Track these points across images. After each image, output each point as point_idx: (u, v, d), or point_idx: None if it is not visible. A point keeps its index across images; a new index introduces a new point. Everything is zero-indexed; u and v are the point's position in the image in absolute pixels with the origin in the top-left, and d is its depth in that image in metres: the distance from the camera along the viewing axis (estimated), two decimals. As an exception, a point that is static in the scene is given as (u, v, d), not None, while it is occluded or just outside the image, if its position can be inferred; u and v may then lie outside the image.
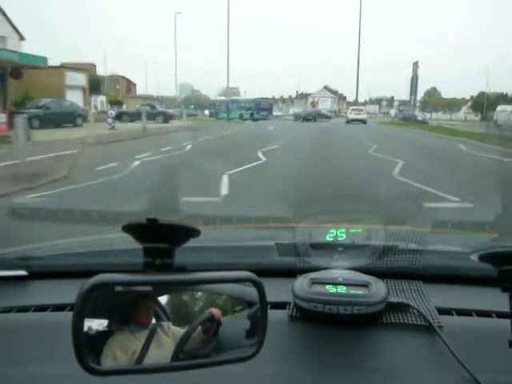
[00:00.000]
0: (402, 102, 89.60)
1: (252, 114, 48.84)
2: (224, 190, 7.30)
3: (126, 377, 0.67)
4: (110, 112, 26.75)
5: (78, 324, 0.59)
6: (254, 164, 10.60)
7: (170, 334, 0.70)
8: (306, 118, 48.83)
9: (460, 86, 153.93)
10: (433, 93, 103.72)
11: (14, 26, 34.17)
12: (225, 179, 8.08)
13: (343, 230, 1.19)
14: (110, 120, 25.11)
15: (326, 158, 12.71)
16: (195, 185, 7.19)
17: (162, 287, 0.70)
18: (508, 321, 0.81)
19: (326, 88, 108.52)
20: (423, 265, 1.15)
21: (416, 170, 10.12)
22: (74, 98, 32.06)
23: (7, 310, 1.05)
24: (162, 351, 0.69)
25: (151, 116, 33.01)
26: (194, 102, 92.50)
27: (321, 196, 6.17)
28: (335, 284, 0.98)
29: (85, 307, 0.60)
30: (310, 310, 0.95)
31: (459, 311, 1.03)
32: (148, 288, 0.68)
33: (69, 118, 25.49)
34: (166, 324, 0.70)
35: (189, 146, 14.95)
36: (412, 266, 1.15)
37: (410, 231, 1.43)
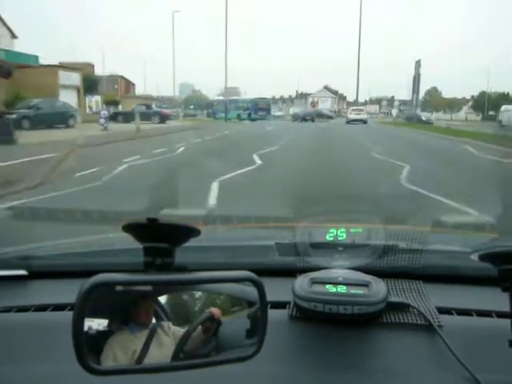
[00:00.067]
0: (403, 102, 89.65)
1: (250, 114, 48.51)
2: (212, 200, 6.58)
3: (127, 376, 0.67)
4: (102, 112, 25.68)
5: (78, 324, 0.59)
6: (250, 168, 9.93)
7: (170, 334, 0.70)
8: (304, 119, 48.39)
9: (460, 85, 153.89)
10: (433, 92, 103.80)
11: (5, 24, 33.66)
12: (214, 187, 7.39)
13: (343, 230, 1.19)
14: (102, 120, 24.11)
15: (326, 160, 12.21)
16: (180, 193, 6.20)
17: (163, 287, 0.70)
18: (508, 320, 0.81)
19: (326, 88, 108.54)
20: (423, 264, 1.15)
21: (425, 176, 9.29)
22: (68, 97, 31.31)
23: (7, 310, 1.05)
24: (162, 351, 0.69)
25: (147, 116, 32.36)
26: (194, 102, 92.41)
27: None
28: (335, 283, 0.98)
29: (85, 307, 0.60)
30: (310, 310, 0.95)
31: (459, 311, 1.03)
32: (148, 288, 0.68)
33: (61, 118, 24.62)
34: (166, 324, 0.70)
35: (181, 149, 14.37)
36: (412, 266, 1.15)
37: (410, 231, 1.43)
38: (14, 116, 21.52)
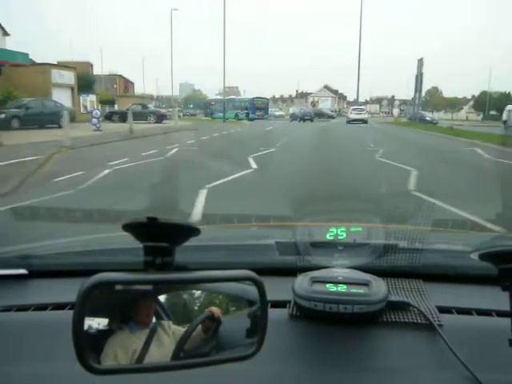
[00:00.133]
0: (403, 102, 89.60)
1: (247, 114, 48.01)
2: (196, 214, 5.58)
3: (127, 376, 0.67)
4: (94, 112, 24.14)
5: (78, 323, 0.59)
6: (243, 173, 9.13)
7: (171, 333, 0.70)
8: (303, 118, 47.85)
9: (461, 85, 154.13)
10: (434, 92, 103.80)
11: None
12: (201, 196, 6.55)
13: (343, 229, 1.19)
14: (94, 120, 22.67)
15: (326, 162, 11.74)
16: (163, 204, 5.28)
17: (163, 286, 0.70)
18: (508, 319, 0.81)
19: (326, 87, 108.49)
20: (423, 263, 1.15)
21: (436, 183, 8.35)
22: (62, 96, 30.13)
23: (7, 309, 1.05)
24: (162, 350, 0.69)
25: (143, 116, 31.81)
26: (194, 102, 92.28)
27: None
28: (335, 283, 0.98)
29: (85, 306, 0.60)
30: (311, 309, 0.95)
31: (459, 310, 1.03)
32: (148, 287, 0.68)
33: (52, 118, 23.26)
34: (166, 323, 0.70)
35: (174, 150, 13.68)
36: (412, 265, 1.15)
37: (410, 230, 1.43)
38: (2, 116, 21.23)
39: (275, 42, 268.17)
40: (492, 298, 0.97)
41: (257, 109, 49.81)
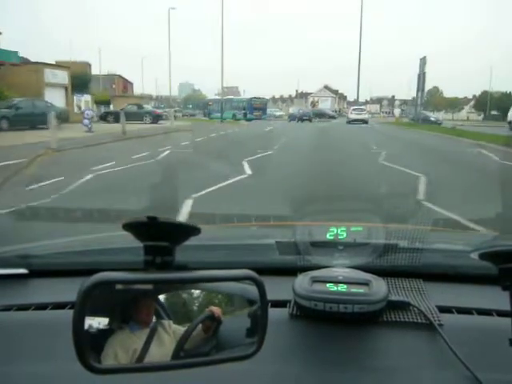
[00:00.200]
0: (403, 102, 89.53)
1: (245, 114, 47.56)
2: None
3: (127, 375, 0.67)
4: (86, 112, 23.34)
5: (78, 322, 0.59)
6: (237, 179, 8.41)
7: (171, 333, 0.70)
8: (301, 119, 47.38)
9: (461, 85, 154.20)
10: (435, 92, 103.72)
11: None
12: (185, 208, 5.97)
13: (344, 229, 1.19)
14: (86, 121, 21.91)
15: (327, 164, 11.31)
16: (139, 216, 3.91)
17: (163, 285, 0.70)
18: (508, 319, 0.81)
19: (327, 87, 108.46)
20: (424, 263, 1.15)
21: (448, 191, 7.55)
22: (55, 96, 29.53)
23: (7, 309, 1.05)
24: (162, 349, 0.69)
25: (138, 116, 31.28)
26: (193, 102, 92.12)
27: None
28: (336, 282, 0.98)
29: (85, 305, 0.60)
30: (311, 309, 0.95)
31: (459, 309, 1.03)
32: (149, 286, 0.68)
33: (43, 118, 21.32)
34: (166, 322, 0.70)
35: (166, 153, 12.99)
36: (412, 265, 1.15)
37: (410, 229, 1.44)
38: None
39: (275, 42, 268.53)
40: (492, 297, 0.97)
41: (255, 109, 49.38)
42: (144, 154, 12.16)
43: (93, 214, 4.77)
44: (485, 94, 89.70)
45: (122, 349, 0.67)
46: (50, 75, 31.69)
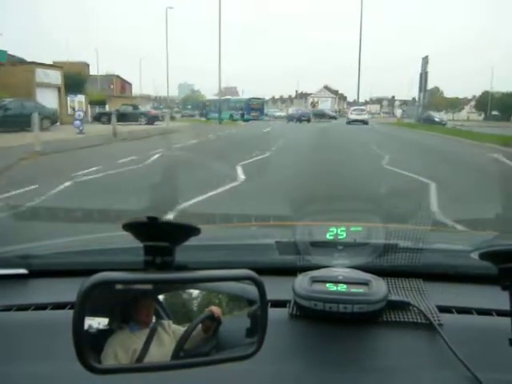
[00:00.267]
0: (403, 102, 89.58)
1: (242, 115, 47.24)
2: None
3: (127, 375, 0.67)
4: (77, 113, 22.49)
5: (78, 322, 0.59)
6: (227, 187, 7.58)
7: (171, 333, 0.70)
8: (299, 119, 46.94)
9: (462, 85, 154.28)
10: (435, 92, 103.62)
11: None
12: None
13: (343, 229, 1.19)
14: (77, 123, 21.09)
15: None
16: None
17: (163, 285, 0.70)
18: (508, 319, 0.81)
19: (326, 88, 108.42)
20: (423, 263, 1.15)
21: (460, 202, 6.58)
22: (47, 97, 28.73)
23: (7, 309, 1.05)
24: (162, 350, 0.69)
25: (133, 117, 30.90)
26: (192, 102, 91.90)
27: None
28: (336, 282, 0.98)
29: (85, 305, 0.60)
30: (311, 308, 0.95)
31: (459, 309, 1.03)
32: (148, 286, 0.68)
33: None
34: (166, 322, 0.70)
35: (155, 156, 12.13)
36: (412, 264, 1.15)
37: (410, 229, 1.44)
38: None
39: (275, 42, 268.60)
40: (492, 297, 0.97)
41: (252, 109, 48.96)
42: (132, 157, 11.48)
43: (93, 214, 4.77)
44: (485, 94, 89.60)
45: (121, 349, 0.67)
46: (41, 75, 30.54)
